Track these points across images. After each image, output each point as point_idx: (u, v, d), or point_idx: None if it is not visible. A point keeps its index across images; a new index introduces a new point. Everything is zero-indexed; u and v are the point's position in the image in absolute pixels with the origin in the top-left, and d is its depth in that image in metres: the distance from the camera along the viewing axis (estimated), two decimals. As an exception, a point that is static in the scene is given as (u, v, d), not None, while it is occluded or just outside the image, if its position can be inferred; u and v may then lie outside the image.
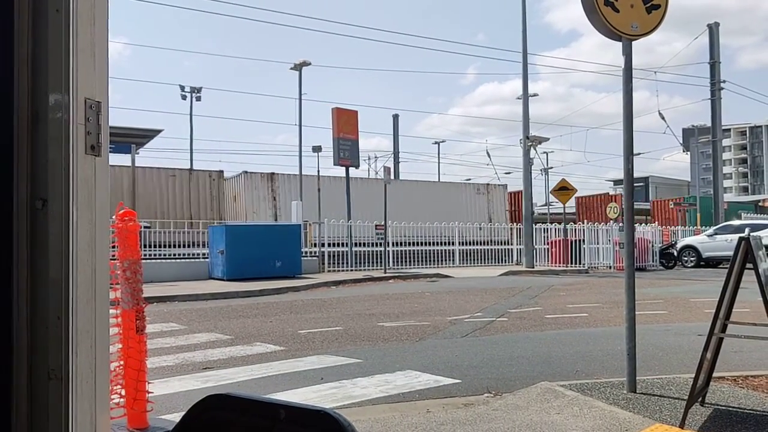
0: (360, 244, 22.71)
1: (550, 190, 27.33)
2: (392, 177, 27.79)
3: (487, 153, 63.88)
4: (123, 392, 4.13)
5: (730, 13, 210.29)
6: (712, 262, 24.72)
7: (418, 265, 23.44)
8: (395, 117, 55.42)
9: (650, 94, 76.63)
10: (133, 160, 23.69)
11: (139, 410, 4.14)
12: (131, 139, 27.78)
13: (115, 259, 4.19)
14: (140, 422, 4.15)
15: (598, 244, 25.21)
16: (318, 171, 28.70)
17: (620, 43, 5.58)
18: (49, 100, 1.10)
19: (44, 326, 1.08)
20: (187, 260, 20.02)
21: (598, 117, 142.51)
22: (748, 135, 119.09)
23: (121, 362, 4.16)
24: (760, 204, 54.06)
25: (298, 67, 31.36)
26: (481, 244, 25.71)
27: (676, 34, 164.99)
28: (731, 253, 4.67)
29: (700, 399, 4.88)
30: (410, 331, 9.21)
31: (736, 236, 5.08)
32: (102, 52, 1.18)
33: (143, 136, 31.76)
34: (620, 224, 22.18)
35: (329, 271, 20.90)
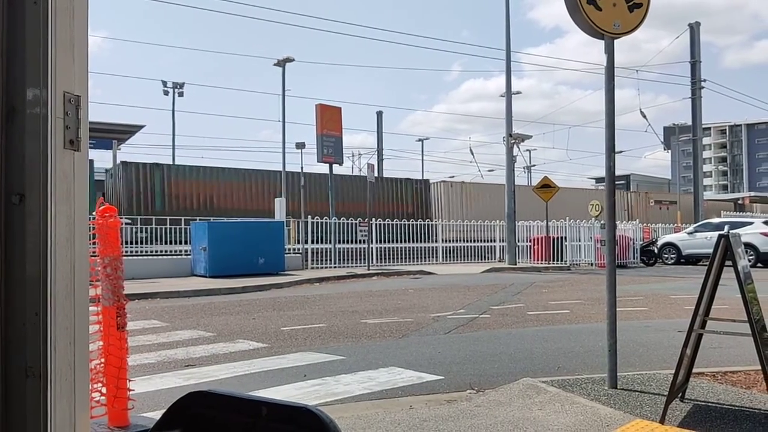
0: (343, 240, 22.74)
1: (533, 187, 27.43)
2: (375, 174, 27.77)
3: (471, 150, 63.95)
4: (104, 390, 4.10)
5: (716, 11, 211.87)
6: (692, 260, 24.99)
7: (401, 262, 23.47)
8: (379, 114, 55.46)
9: (635, 92, 77.10)
10: (114, 156, 23.48)
11: (120, 408, 4.10)
12: (112, 134, 27.55)
13: (95, 256, 4.15)
14: (121, 420, 4.11)
15: (579, 241, 25.37)
16: (302, 167, 28.72)
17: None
18: (27, 94, 1.08)
19: (21, 323, 1.06)
20: (170, 257, 19.90)
21: (583, 114, 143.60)
22: (727, 134, 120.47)
23: (102, 360, 4.12)
24: (739, 202, 54.73)
25: (282, 63, 31.21)
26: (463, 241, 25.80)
27: (662, 31, 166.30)
28: (711, 250, 4.72)
29: (680, 394, 4.93)
30: (393, 327, 9.22)
31: (715, 234, 5.13)
32: (81, 45, 1.16)
33: (125, 131, 31.49)
34: (602, 221, 22.35)
35: (312, 268, 20.86)
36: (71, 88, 1.13)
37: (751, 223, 24.03)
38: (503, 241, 25.16)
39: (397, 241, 24.06)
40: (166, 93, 46.08)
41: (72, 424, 1.11)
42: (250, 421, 0.86)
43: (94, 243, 4.13)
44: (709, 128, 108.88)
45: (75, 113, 1.14)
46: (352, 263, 22.13)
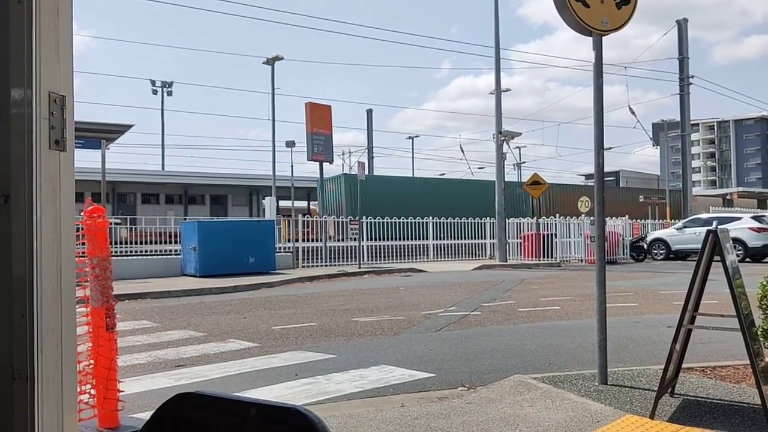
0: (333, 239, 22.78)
1: (523, 185, 27.49)
2: (366, 172, 27.79)
3: (461, 148, 64.02)
4: (93, 391, 4.08)
5: (705, 7, 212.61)
6: (681, 255, 25.13)
7: (392, 259, 23.48)
8: (369, 112, 55.48)
9: (625, 88, 77.14)
10: (103, 156, 23.30)
11: (109, 409, 4.08)
12: (101, 134, 27.33)
13: (84, 256, 4.13)
14: (111, 421, 4.10)
15: (569, 237, 25.48)
16: (291, 166, 28.72)
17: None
18: (11, 95, 1.07)
19: (8, 325, 1.05)
20: (159, 257, 19.81)
21: (574, 111, 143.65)
22: (716, 129, 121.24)
23: (91, 361, 4.10)
24: (727, 197, 55.09)
25: (271, 62, 31.14)
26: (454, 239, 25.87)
27: (651, 27, 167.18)
28: (699, 245, 4.74)
29: (669, 389, 4.96)
30: (385, 325, 9.22)
31: (704, 229, 5.16)
32: (66, 44, 1.16)
33: (113, 131, 31.29)
34: (592, 218, 22.43)
35: (303, 266, 20.84)
36: (56, 88, 1.12)
37: (739, 219, 24.20)
38: (494, 238, 25.22)
39: (388, 239, 24.09)
40: (155, 92, 45.98)
41: (60, 426, 1.10)
42: (239, 423, 0.86)
43: (82, 244, 4.11)
44: (698, 124, 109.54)
45: (60, 113, 1.13)
46: (343, 261, 22.12)
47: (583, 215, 26.05)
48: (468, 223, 26.10)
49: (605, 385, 5.31)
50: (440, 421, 4.56)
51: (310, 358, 7.00)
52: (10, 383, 1.05)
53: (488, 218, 26.20)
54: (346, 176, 36.18)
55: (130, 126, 31.61)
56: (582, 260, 24.38)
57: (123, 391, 4.22)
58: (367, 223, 23.23)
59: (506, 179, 26.41)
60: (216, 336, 8.47)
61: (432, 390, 5.63)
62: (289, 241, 22.48)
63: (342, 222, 25.39)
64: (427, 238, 25.27)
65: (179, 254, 19.12)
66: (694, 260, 4.97)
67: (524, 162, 56.26)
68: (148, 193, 49.09)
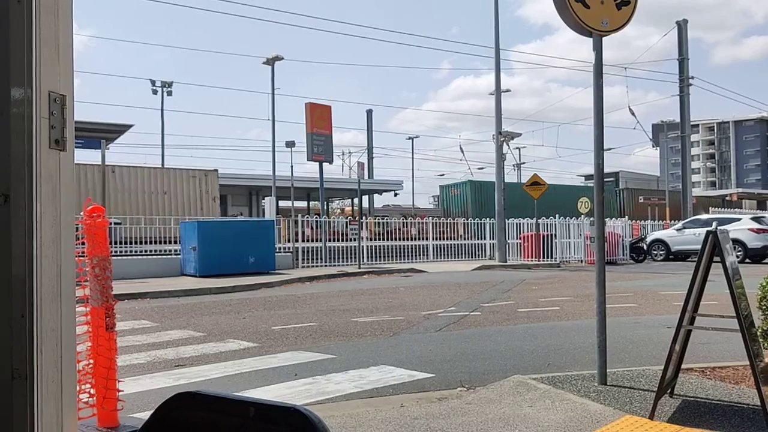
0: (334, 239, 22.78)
1: (523, 185, 27.49)
2: (365, 173, 27.81)
3: (461, 148, 64.12)
4: (93, 391, 4.08)
5: (705, 7, 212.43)
6: (681, 256, 25.13)
7: (392, 260, 23.47)
8: (369, 112, 55.48)
9: (625, 89, 77.10)
10: (103, 156, 23.30)
11: (109, 409, 4.08)
12: (101, 134, 27.39)
13: (83, 256, 4.12)
14: (110, 421, 4.10)
15: (569, 238, 25.47)
16: (291, 167, 28.72)
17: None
18: (11, 94, 1.07)
19: (7, 324, 1.05)
20: (159, 257, 19.80)
21: (574, 111, 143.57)
22: (715, 131, 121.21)
23: (91, 360, 4.10)
24: (727, 198, 55.08)
25: (271, 62, 31.13)
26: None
27: (652, 28, 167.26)
28: (699, 246, 4.74)
29: (669, 390, 4.96)
30: (384, 326, 9.22)
31: (704, 230, 5.16)
32: (66, 44, 1.16)
33: (113, 131, 31.39)
34: (591, 219, 22.43)
35: (303, 266, 20.83)
36: (56, 88, 1.12)
37: (738, 219, 24.20)
38: (494, 238, 25.22)
39: (388, 239, 24.10)
40: (154, 92, 45.88)
41: (59, 426, 1.10)
42: (238, 422, 0.86)
43: (82, 243, 4.10)
44: (698, 125, 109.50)
45: (60, 113, 1.13)
46: (343, 262, 22.12)
47: (582, 216, 26.04)
48: (468, 223, 26.08)
49: (605, 386, 5.31)
50: (439, 421, 4.56)
51: (309, 358, 7.00)
52: (9, 383, 1.05)
53: (488, 219, 26.22)
54: (472, 182, 39.86)
55: (129, 126, 31.61)
56: (582, 261, 24.38)
57: (122, 391, 4.22)
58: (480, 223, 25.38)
59: (506, 180, 26.41)
60: (215, 336, 8.47)
61: (431, 390, 5.63)
62: (288, 241, 22.48)
63: (470, 223, 27.24)
64: (426, 239, 25.28)
65: (179, 254, 19.11)
66: (694, 261, 4.97)
67: (524, 162, 56.33)
68: (148, 192, 49.04)
